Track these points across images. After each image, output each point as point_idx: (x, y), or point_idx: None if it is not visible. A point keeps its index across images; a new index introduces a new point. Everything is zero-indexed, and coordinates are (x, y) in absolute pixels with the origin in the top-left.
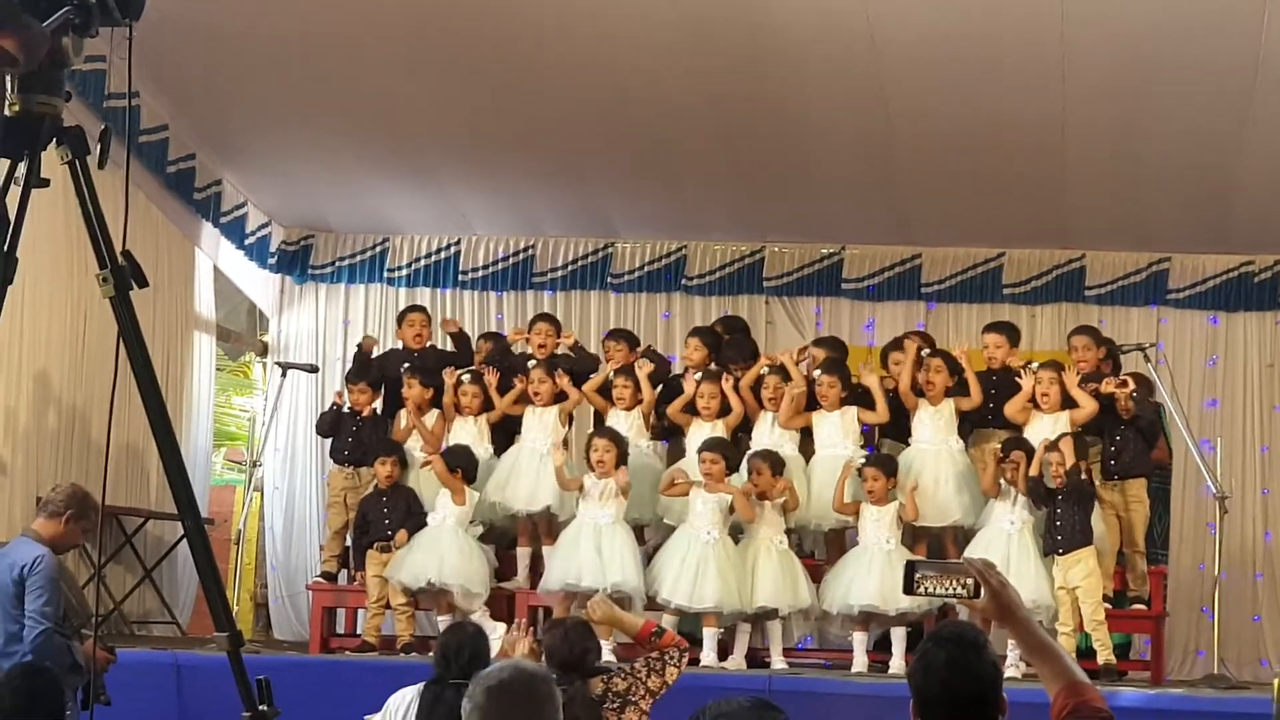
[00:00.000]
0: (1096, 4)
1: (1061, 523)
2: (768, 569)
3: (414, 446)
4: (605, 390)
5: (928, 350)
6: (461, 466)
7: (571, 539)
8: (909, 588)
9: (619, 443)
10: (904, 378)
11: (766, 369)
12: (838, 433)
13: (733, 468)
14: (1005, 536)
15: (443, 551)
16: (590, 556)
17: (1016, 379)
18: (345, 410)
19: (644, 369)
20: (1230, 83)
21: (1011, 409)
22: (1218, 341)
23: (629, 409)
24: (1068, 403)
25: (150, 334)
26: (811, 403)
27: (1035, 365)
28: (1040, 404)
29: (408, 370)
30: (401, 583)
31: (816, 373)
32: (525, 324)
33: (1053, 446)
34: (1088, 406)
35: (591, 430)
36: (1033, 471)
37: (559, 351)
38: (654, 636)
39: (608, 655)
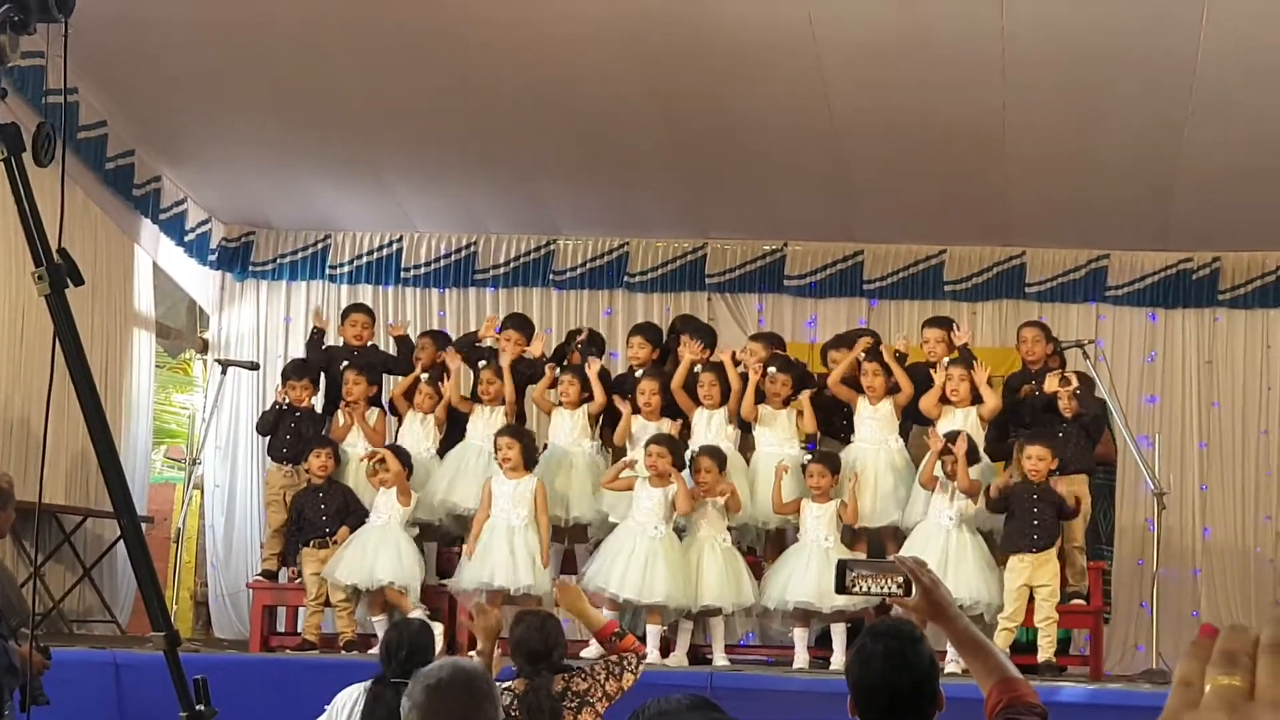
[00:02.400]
0: (1037, 1)
1: (1039, 521)
2: (712, 567)
3: (350, 445)
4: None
5: (864, 355)
6: (408, 466)
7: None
8: (841, 587)
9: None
10: (836, 373)
11: (700, 367)
12: (784, 432)
13: (680, 464)
14: (944, 531)
15: (379, 552)
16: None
17: (932, 371)
18: (284, 407)
19: (592, 368)
20: (1169, 81)
21: (926, 403)
22: (1156, 338)
23: (574, 407)
24: (978, 398)
25: (89, 331)
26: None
27: (946, 360)
28: (950, 399)
29: (348, 367)
30: (337, 580)
31: (772, 369)
32: (488, 323)
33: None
34: (990, 401)
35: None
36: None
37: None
38: (614, 637)
39: (595, 650)
